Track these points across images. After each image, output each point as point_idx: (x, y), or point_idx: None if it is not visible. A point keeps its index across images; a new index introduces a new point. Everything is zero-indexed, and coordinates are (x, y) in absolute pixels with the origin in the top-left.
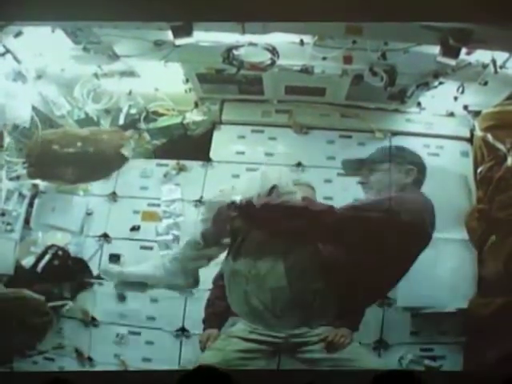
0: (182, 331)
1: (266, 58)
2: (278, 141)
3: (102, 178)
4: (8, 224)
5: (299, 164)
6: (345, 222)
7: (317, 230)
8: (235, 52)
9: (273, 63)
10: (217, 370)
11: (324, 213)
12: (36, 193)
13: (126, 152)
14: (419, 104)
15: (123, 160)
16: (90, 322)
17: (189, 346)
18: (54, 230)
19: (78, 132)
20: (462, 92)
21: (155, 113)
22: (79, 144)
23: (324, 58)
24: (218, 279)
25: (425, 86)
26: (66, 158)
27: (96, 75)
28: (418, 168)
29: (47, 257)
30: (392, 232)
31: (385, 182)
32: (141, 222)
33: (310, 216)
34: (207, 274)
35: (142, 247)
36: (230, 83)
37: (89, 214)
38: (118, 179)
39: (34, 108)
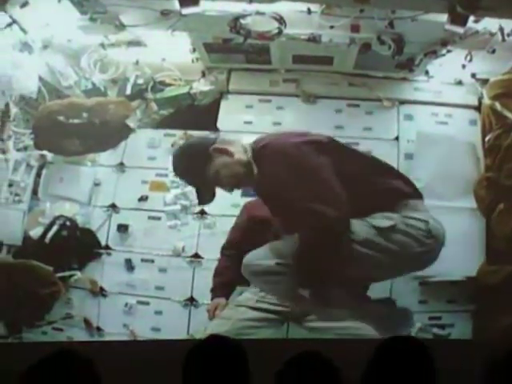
0: (191, 301)
1: (273, 27)
2: (285, 110)
3: (108, 149)
4: (16, 195)
5: None
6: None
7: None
8: (242, 21)
9: (280, 32)
10: (229, 339)
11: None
12: (44, 163)
13: (131, 123)
14: (427, 72)
15: (129, 131)
16: (99, 292)
17: (197, 316)
18: (62, 201)
19: (83, 102)
20: (470, 60)
21: (162, 83)
22: (85, 115)
23: (331, 27)
24: (226, 248)
25: (433, 54)
26: (72, 129)
27: (103, 45)
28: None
29: (55, 227)
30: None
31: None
32: (149, 192)
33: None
34: (215, 244)
35: (150, 217)
36: (238, 52)
37: (97, 184)
38: (125, 149)
39: (40, 79)
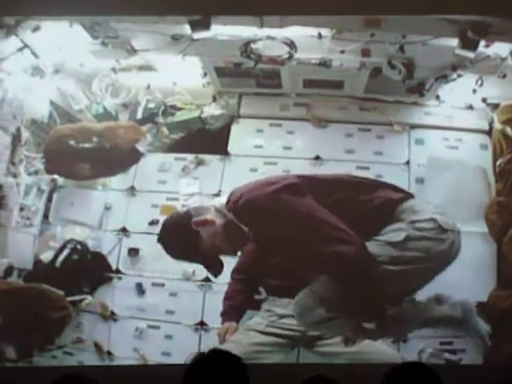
0: (201, 325)
1: (283, 51)
2: (296, 134)
3: (118, 174)
4: (27, 219)
5: (317, 157)
6: None
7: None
8: (253, 46)
9: (291, 57)
10: (229, 353)
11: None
12: (55, 187)
13: (141, 147)
14: (438, 97)
15: (138, 155)
16: (109, 316)
17: (208, 340)
18: (73, 225)
19: (93, 127)
20: (481, 85)
21: (173, 107)
22: (95, 139)
23: (342, 52)
24: (236, 272)
25: (443, 78)
26: (82, 154)
27: (114, 69)
28: None
29: (66, 251)
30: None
31: None
32: (159, 215)
33: None
34: (225, 268)
35: None
36: (248, 77)
37: (107, 208)
38: (136, 173)
39: (52, 103)
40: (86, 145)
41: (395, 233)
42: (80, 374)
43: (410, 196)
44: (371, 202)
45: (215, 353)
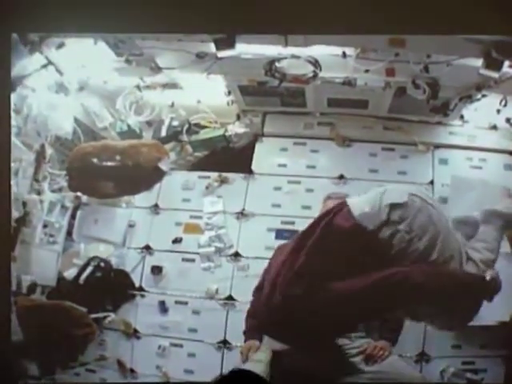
0: (224, 343)
1: (308, 70)
2: (320, 153)
3: (141, 192)
4: (51, 236)
5: (341, 176)
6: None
7: None
8: (277, 64)
9: (315, 76)
10: (252, 372)
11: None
12: (78, 205)
13: (163, 166)
14: (462, 117)
15: (161, 174)
16: (133, 333)
17: (230, 358)
18: (97, 242)
19: (116, 145)
20: (505, 105)
21: (197, 125)
22: (118, 157)
23: (366, 71)
24: (258, 291)
25: (468, 98)
26: (105, 172)
27: (138, 87)
28: None
29: (89, 268)
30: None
31: None
32: (183, 234)
33: None
34: (248, 286)
35: (184, 259)
36: (273, 95)
37: (131, 225)
38: (160, 191)
39: (76, 120)
40: (109, 163)
41: (396, 238)
42: None
43: (343, 205)
44: (349, 243)
45: (237, 373)
